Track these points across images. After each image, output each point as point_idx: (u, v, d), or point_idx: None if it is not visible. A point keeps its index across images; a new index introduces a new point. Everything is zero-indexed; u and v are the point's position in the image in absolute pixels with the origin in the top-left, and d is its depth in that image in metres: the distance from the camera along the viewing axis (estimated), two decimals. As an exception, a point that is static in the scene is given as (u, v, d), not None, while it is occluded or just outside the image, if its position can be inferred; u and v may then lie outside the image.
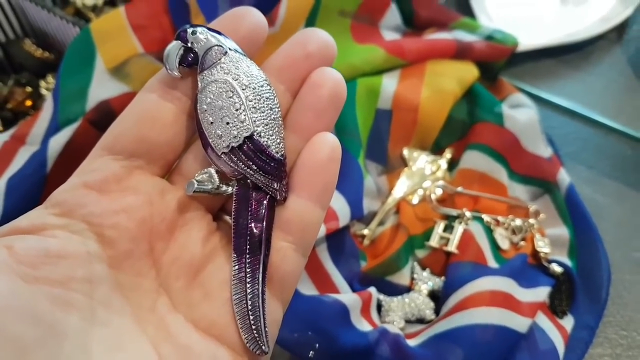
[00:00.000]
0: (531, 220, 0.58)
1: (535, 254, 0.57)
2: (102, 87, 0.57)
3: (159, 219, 0.26)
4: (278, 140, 0.28)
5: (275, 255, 0.27)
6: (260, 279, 0.27)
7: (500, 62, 0.68)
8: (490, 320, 0.47)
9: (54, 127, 0.56)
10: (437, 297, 0.53)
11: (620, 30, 0.81)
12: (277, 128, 0.28)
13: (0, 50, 0.70)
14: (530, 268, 0.55)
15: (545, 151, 0.62)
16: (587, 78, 0.76)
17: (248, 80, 0.27)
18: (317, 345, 0.45)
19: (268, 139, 0.27)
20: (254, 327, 0.26)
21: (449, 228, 0.56)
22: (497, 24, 0.78)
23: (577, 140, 0.68)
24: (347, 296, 0.48)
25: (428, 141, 0.61)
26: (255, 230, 0.27)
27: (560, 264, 0.55)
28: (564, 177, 0.61)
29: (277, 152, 0.27)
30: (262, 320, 0.26)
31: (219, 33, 0.27)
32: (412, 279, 0.54)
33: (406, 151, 0.60)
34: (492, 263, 0.54)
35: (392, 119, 0.60)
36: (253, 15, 0.28)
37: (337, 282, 0.50)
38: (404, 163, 0.60)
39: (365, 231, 0.56)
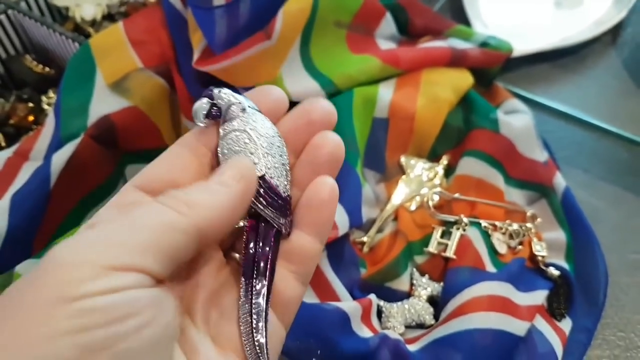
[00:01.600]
0: (528, 225, 0.59)
1: (532, 257, 0.57)
2: (102, 102, 0.58)
3: None
4: (285, 182, 0.32)
5: (279, 282, 0.31)
6: (265, 301, 0.30)
7: (495, 68, 0.69)
8: (489, 324, 0.48)
9: (56, 143, 0.57)
10: (437, 303, 0.53)
11: (614, 33, 0.82)
12: (285, 172, 0.32)
13: (1, 67, 0.71)
14: (527, 272, 0.56)
15: (541, 156, 0.63)
16: (582, 82, 0.77)
17: (262, 131, 0.32)
18: (319, 352, 0.46)
19: (277, 180, 0.32)
20: (257, 343, 0.29)
21: (446, 234, 0.57)
22: (492, 29, 0.79)
23: (573, 144, 0.69)
24: (347, 304, 0.49)
25: (425, 149, 0.62)
26: (262, 258, 0.31)
27: (557, 267, 0.56)
28: (560, 181, 0.61)
29: (284, 192, 0.32)
30: (265, 337, 0.29)
31: (240, 93, 0.32)
32: (412, 284, 0.55)
33: (403, 159, 0.61)
34: (490, 268, 0.54)
35: (388, 127, 0.61)
36: (276, 92, 0.33)
37: (337, 289, 0.51)
38: (401, 171, 0.61)
39: (365, 238, 0.57)
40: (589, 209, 0.61)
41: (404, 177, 0.61)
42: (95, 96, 0.59)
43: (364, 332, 0.49)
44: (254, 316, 0.30)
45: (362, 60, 0.62)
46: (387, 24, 0.68)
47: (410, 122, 0.61)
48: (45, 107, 0.67)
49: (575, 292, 0.55)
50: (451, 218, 0.57)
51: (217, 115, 0.32)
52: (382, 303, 0.52)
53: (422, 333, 0.51)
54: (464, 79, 0.65)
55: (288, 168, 0.33)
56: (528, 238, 0.58)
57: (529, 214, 0.60)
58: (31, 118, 0.66)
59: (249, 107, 0.32)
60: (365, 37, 0.66)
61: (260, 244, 0.31)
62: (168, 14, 0.61)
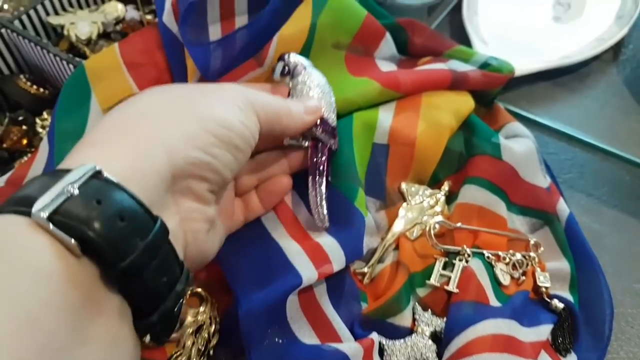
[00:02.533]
0: (532, 254, 0.58)
1: (536, 288, 0.57)
2: (98, 129, 0.56)
3: None
4: (333, 116, 0.53)
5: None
6: (325, 187, 0.52)
7: (496, 90, 0.68)
8: (494, 365, 0.47)
9: (50, 170, 0.56)
10: (440, 338, 0.52)
11: (616, 50, 0.81)
12: (332, 108, 0.53)
13: (-6, 87, 0.70)
14: (531, 305, 0.55)
15: (544, 181, 0.62)
16: (583, 101, 0.76)
17: (317, 81, 0.52)
18: None
19: (327, 114, 0.52)
20: (322, 214, 0.52)
21: (449, 265, 0.56)
22: (492, 47, 0.78)
23: (575, 167, 0.68)
24: (348, 345, 0.48)
25: (426, 175, 0.61)
26: (321, 164, 0.52)
27: (561, 299, 0.55)
28: (563, 207, 0.60)
29: (332, 122, 0.53)
30: (325, 208, 0.52)
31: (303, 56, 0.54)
32: (414, 320, 0.54)
33: (404, 185, 0.60)
34: (494, 301, 0.54)
35: (389, 153, 0.59)
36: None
37: (337, 328, 0.50)
38: (402, 197, 0.60)
39: (365, 269, 0.56)
40: (591, 235, 0.60)
41: (404, 204, 0.60)
42: (91, 121, 0.58)
43: None
44: (317, 197, 0.51)
45: (361, 83, 0.61)
46: (387, 45, 0.67)
47: (411, 148, 0.59)
48: (40, 130, 0.66)
49: (580, 326, 0.54)
50: (454, 249, 0.56)
51: (287, 73, 0.52)
52: (384, 341, 0.51)
53: None
54: (465, 103, 0.64)
55: (334, 106, 0.54)
56: (531, 268, 0.58)
57: (532, 242, 0.59)
58: (25, 141, 0.65)
59: (307, 66, 0.52)
60: (365, 58, 0.65)
61: (320, 156, 0.52)
62: (164, 37, 0.60)
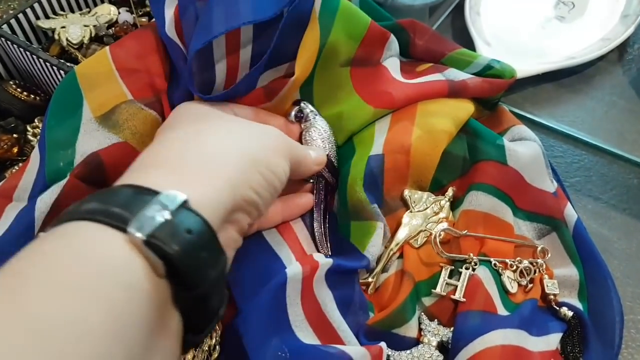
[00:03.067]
0: (539, 261, 0.56)
1: (544, 296, 0.55)
2: (90, 138, 0.54)
3: None
4: (335, 156, 0.59)
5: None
6: (324, 219, 0.57)
7: (498, 96, 0.66)
8: (503, 377, 0.46)
9: (41, 180, 0.54)
10: (447, 349, 0.51)
11: (621, 50, 0.79)
12: (335, 151, 0.59)
13: (-17, 94, 0.68)
14: (540, 313, 0.54)
15: (551, 186, 0.60)
16: (588, 102, 0.74)
17: (324, 128, 0.57)
18: None
19: (333, 157, 0.58)
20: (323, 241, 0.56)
21: (455, 274, 0.55)
22: (495, 48, 0.76)
23: (582, 170, 0.67)
24: (354, 348, 0.46)
25: (425, 180, 0.59)
26: (323, 200, 0.57)
27: (570, 307, 0.54)
28: (571, 212, 0.59)
29: (335, 163, 0.59)
30: (326, 237, 0.56)
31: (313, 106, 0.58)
32: (420, 330, 0.52)
33: (407, 192, 0.58)
34: (502, 310, 0.52)
35: (384, 162, 0.57)
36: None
37: (343, 336, 0.48)
38: (405, 205, 0.58)
39: (370, 279, 0.54)
40: (599, 241, 0.59)
41: (408, 212, 0.58)
42: (83, 130, 0.56)
43: None
44: (320, 226, 0.56)
45: (356, 108, 0.60)
46: (393, 46, 0.65)
47: (406, 156, 0.57)
48: (31, 138, 0.64)
49: (589, 334, 0.52)
50: (460, 257, 0.55)
51: (300, 117, 0.57)
52: (390, 352, 0.49)
53: None
54: (463, 108, 0.61)
55: (335, 148, 0.59)
56: (539, 275, 0.56)
57: (539, 248, 0.57)
58: (16, 150, 0.63)
59: (317, 114, 0.57)
60: (371, 69, 0.63)
61: (322, 191, 0.57)
62: (171, 49, 0.57)
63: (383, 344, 0.49)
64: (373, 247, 0.54)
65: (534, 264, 0.56)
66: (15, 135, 0.64)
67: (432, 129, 0.58)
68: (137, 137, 0.55)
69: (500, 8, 0.84)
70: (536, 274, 0.56)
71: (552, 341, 0.51)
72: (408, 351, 0.50)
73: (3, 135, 0.63)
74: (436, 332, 0.51)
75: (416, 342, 0.52)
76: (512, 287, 0.54)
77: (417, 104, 0.61)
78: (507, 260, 0.55)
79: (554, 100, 0.74)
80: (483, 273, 0.53)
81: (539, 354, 0.49)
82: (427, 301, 0.54)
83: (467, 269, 0.54)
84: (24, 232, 0.49)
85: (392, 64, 0.64)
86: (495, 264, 0.55)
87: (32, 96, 0.66)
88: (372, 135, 0.59)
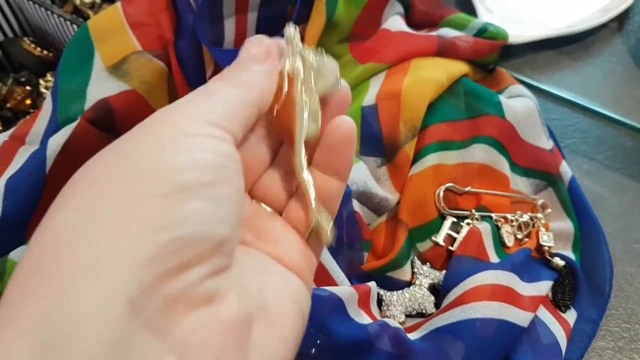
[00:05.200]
0: (538, 215, 0.58)
1: (539, 247, 0.57)
2: (101, 86, 0.57)
3: None
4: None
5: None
6: None
7: (492, 56, 0.67)
8: (491, 314, 0.47)
9: (53, 127, 0.56)
10: (438, 291, 0.53)
11: (620, 20, 0.81)
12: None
13: (-2, 49, 0.70)
14: (532, 262, 0.55)
15: (547, 144, 0.62)
16: (587, 69, 0.76)
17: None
18: (319, 341, 0.45)
19: None
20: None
21: (454, 224, 0.56)
22: (497, 15, 0.77)
23: (577, 132, 0.68)
24: (342, 289, 0.48)
25: (417, 119, 0.59)
26: None
27: (563, 257, 0.55)
28: (566, 169, 0.61)
29: None
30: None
31: None
32: (413, 273, 0.54)
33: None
34: (494, 259, 0.54)
35: (378, 110, 0.59)
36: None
37: (335, 276, 0.50)
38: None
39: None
40: (593, 197, 0.60)
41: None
42: (94, 79, 0.58)
43: (363, 319, 0.48)
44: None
45: (348, 66, 0.62)
46: (393, 6, 0.67)
47: (397, 99, 0.58)
48: (43, 90, 0.66)
49: (580, 283, 0.54)
50: (463, 213, 0.57)
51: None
52: (382, 292, 0.51)
53: (421, 321, 0.50)
54: (456, 66, 0.63)
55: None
56: (536, 228, 0.58)
57: (539, 202, 0.59)
58: (28, 101, 0.66)
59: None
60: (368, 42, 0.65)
61: None
62: (179, 3, 0.60)
63: (372, 283, 0.50)
64: (355, 174, 0.55)
65: (534, 218, 0.58)
66: (28, 88, 0.66)
67: (422, 77, 0.60)
68: (145, 86, 0.57)
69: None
70: (534, 228, 0.58)
71: (542, 288, 0.53)
72: (400, 291, 0.52)
73: (17, 87, 0.66)
74: (427, 275, 0.53)
75: (409, 284, 0.53)
76: (509, 241, 0.56)
77: (410, 61, 0.62)
78: (508, 215, 0.57)
79: (553, 66, 0.75)
80: (484, 227, 0.55)
81: (529, 297, 0.51)
82: (422, 247, 0.55)
83: (468, 224, 0.56)
84: (35, 171, 0.52)
85: (392, 24, 0.66)
86: (496, 219, 0.56)
87: (46, 52, 0.68)
88: (366, 89, 0.61)
